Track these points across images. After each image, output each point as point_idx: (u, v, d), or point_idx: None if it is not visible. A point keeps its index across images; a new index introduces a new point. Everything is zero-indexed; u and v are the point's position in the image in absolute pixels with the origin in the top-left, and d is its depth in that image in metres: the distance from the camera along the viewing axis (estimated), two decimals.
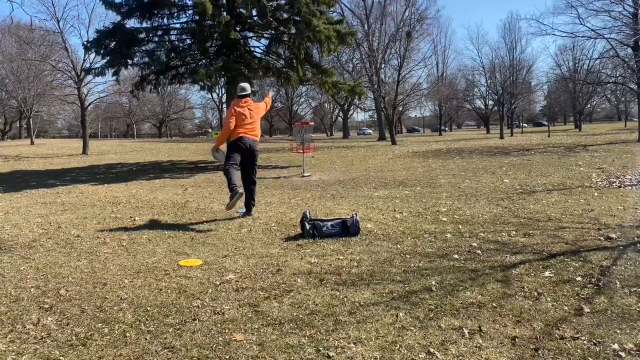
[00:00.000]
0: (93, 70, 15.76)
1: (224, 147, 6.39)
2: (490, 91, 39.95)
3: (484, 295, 3.12)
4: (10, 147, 29.59)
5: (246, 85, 6.32)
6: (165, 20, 14.78)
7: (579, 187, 7.78)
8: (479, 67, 42.74)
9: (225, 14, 12.73)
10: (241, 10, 13.90)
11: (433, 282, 3.37)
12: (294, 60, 14.12)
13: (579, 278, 3.38)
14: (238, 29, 13.83)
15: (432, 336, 2.57)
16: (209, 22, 12.45)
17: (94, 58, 21.01)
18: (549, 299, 3.02)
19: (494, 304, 2.96)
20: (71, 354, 2.50)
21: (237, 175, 5.93)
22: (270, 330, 2.71)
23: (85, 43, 15.49)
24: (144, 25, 14.49)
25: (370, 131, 71.72)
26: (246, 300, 3.18)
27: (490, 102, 44.25)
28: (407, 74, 38.69)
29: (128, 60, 14.29)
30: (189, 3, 14.76)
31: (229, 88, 14.43)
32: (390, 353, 2.41)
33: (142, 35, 14.23)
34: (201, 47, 14.08)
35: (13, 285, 3.60)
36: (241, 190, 5.74)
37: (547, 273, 3.50)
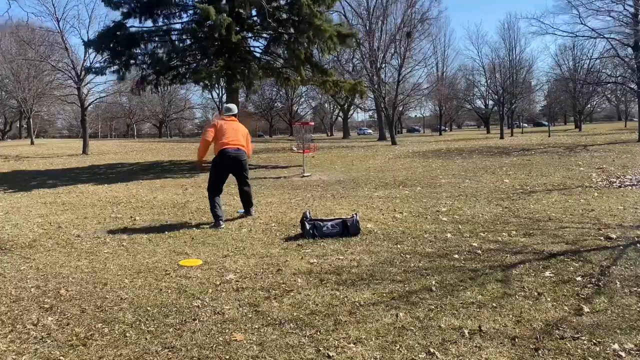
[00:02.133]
0: (93, 69, 15.83)
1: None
2: (490, 91, 39.93)
3: (484, 295, 3.12)
4: (10, 147, 29.60)
5: (232, 106, 6.20)
6: (166, 19, 14.80)
7: (579, 187, 7.78)
8: (479, 67, 42.80)
9: (225, 16, 12.75)
10: (241, 10, 13.91)
11: (433, 282, 3.37)
12: (294, 61, 14.12)
13: (579, 278, 3.38)
14: (238, 28, 13.83)
15: (432, 336, 2.57)
16: (209, 23, 12.46)
17: (94, 57, 21.04)
18: (549, 299, 3.02)
19: (494, 304, 2.96)
20: (71, 354, 2.50)
21: (218, 204, 5.63)
22: (270, 330, 2.71)
23: (86, 41, 15.56)
24: (145, 25, 14.52)
25: (370, 131, 71.68)
26: (246, 300, 3.18)
27: (491, 102, 44.25)
28: (408, 74, 38.66)
29: (130, 61, 14.31)
30: (190, 3, 14.78)
31: (229, 88, 14.45)
32: (390, 353, 2.41)
33: (144, 36, 14.25)
34: (202, 47, 14.08)
35: (13, 285, 3.60)
36: (222, 226, 5.45)
37: (547, 273, 3.50)
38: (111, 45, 14.07)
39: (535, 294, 3.11)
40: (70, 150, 26.57)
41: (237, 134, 5.82)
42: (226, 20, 12.25)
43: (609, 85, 33.75)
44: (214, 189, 5.75)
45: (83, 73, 23.35)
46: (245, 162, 5.88)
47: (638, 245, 4.16)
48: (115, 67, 14.56)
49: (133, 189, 9.63)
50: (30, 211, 7.00)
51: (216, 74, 13.28)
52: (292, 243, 4.65)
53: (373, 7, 33.58)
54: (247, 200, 6.11)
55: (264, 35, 15.47)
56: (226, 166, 5.75)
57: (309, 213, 5.10)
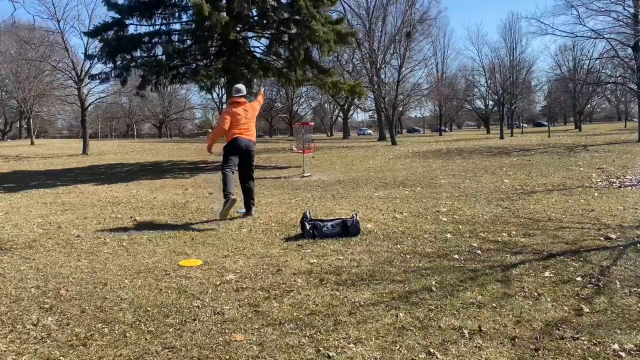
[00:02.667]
0: (98, 77, 15.90)
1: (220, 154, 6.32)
2: (490, 91, 39.94)
3: (484, 295, 3.12)
4: (10, 147, 29.60)
5: (241, 86, 6.31)
6: (165, 20, 14.81)
7: (579, 187, 7.78)
8: (479, 67, 42.81)
9: (224, 14, 12.73)
10: (240, 10, 13.90)
11: (433, 282, 3.37)
12: (294, 61, 14.13)
13: (579, 278, 3.38)
14: (238, 29, 13.82)
15: (432, 336, 2.57)
16: (207, 23, 12.46)
17: (94, 61, 21.03)
18: (549, 299, 3.02)
19: (494, 304, 2.96)
20: (71, 354, 2.50)
21: (232, 181, 5.84)
22: (270, 330, 2.71)
23: (87, 54, 15.64)
24: (144, 25, 14.53)
25: (370, 131, 71.66)
26: (246, 300, 3.18)
27: (490, 103, 44.25)
28: (408, 74, 38.70)
29: (132, 64, 14.32)
30: (189, 3, 14.78)
31: (229, 88, 14.45)
32: (390, 353, 2.41)
33: (144, 39, 14.28)
34: (201, 47, 14.07)
35: (13, 285, 3.60)
36: (234, 197, 5.65)
37: (547, 273, 3.50)
38: (111, 49, 14.06)
39: (535, 294, 3.11)
40: (70, 150, 26.57)
41: (249, 124, 6.06)
42: (223, 19, 12.23)
43: (609, 85, 33.78)
44: (228, 166, 5.93)
45: (84, 74, 23.39)
46: (253, 153, 6.15)
47: (638, 245, 4.16)
48: (118, 71, 14.58)
49: (133, 189, 9.63)
50: (30, 211, 7.00)
51: (215, 75, 13.27)
52: (292, 243, 4.65)
53: (373, 7, 33.62)
54: (248, 197, 6.15)
55: (265, 34, 15.47)
56: (237, 150, 5.99)
57: (309, 213, 5.10)
